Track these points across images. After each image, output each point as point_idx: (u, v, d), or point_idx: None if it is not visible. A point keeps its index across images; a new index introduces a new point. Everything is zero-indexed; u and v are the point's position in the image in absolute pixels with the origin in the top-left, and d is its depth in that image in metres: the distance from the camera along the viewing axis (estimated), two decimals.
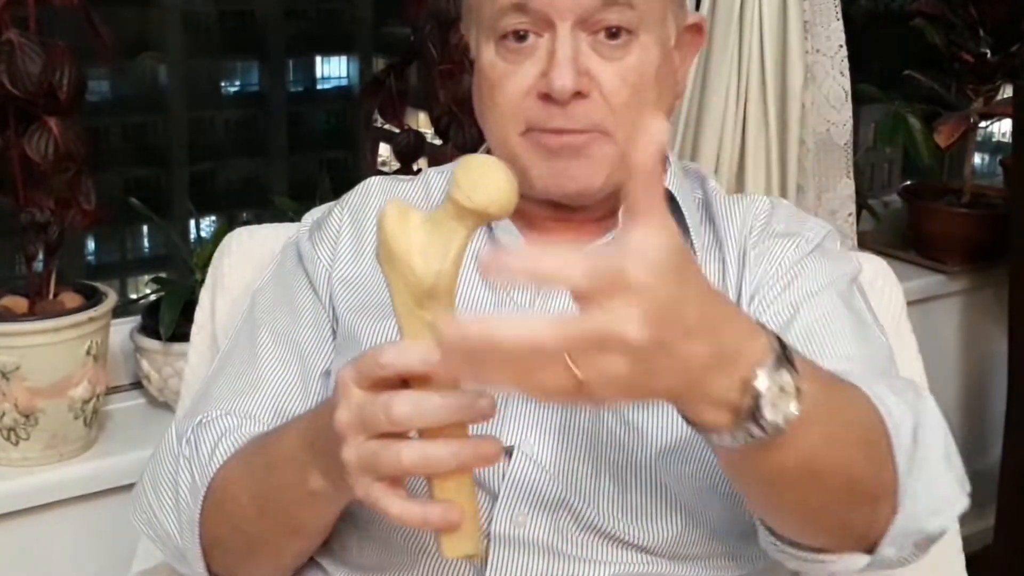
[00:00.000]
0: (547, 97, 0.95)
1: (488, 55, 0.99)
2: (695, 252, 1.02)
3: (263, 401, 1.02)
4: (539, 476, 0.92)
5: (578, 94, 0.95)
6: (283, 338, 1.05)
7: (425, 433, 0.72)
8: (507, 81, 0.97)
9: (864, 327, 0.99)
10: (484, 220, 0.72)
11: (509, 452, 0.92)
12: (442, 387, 0.71)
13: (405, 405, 0.70)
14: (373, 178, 1.14)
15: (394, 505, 0.73)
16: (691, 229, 1.03)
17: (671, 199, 1.04)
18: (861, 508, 0.80)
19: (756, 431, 0.67)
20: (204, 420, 1.00)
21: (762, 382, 0.66)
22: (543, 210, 1.02)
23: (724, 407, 0.66)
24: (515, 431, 0.93)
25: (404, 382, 0.72)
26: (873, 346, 0.97)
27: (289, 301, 1.08)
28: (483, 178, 0.71)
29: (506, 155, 0.99)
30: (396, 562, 0.95)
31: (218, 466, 0.94)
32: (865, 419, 0.78)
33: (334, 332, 1.05)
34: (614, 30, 0.95)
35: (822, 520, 0.80)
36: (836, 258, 1.05)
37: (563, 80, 0.93)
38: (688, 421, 0.69)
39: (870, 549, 0.82)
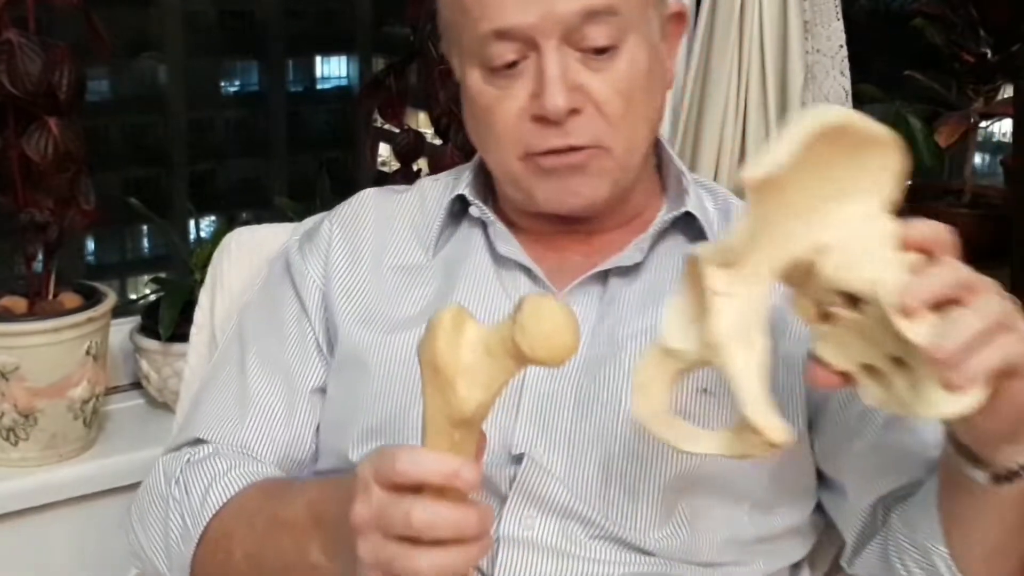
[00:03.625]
0: (541, 119, 0.93)
1: (475, 81, 0.96)
2: None
3: (253, 430, 1.02)
4: (548, 482, 0.92)
5: (572, 110, 0.93)
6: (269, 359, 1.05)
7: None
8: (499, 106, 0.95)
9: None
10: (537, 365, 0.71)
11: (518, 458, 0.92)
12: (453, 496, 0.72)
13: (424, 514, 0.72)
14: (368, 190, 1.13)
15: None
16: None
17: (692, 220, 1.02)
18: None
19: None
20: (193, 460, 1.00)
21: None
22: (553, 226, 1.02)
23: None
24: (526, 438, 0.93)
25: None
26: None
27: (275, 319, 1.07)
28: (554, 335, 0.68)
29: (508, 178, 0.99)
30: None
31: (211, 513, 0.95)
32: None
33: (320, 347, 1.05)
34: (600, 48, 0.93)
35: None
36: None
37: (555, 100, 0.91)
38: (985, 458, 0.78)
39: None
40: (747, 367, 0.72)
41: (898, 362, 0.72)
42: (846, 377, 0.74)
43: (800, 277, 0.73)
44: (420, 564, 0.73)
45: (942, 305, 0.69)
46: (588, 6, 0.91)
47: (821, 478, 1.01)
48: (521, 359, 0.70)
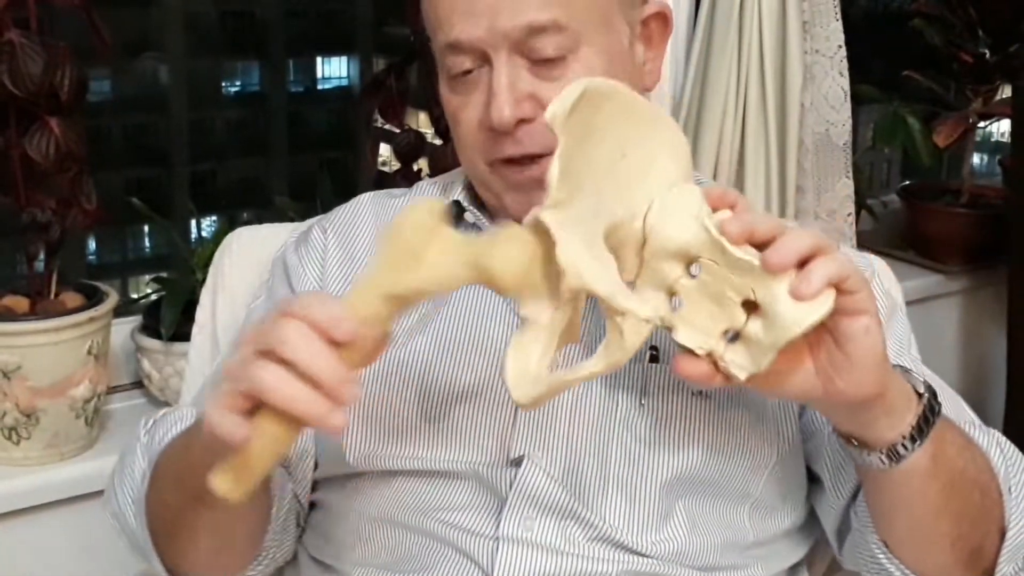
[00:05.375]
0: (493, 129, 0.95)
1: (443, 88, 1.00)
2: None
3: None
4: (548, 484, 0.93)
5: (522, 121, 0.94)
6: None
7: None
8: (462, 114, 0.98)
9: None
10: (495, 284, 0.75)
11: (518, 461, 0.93)
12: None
13: (295, 332, 0.70)
14: (365, 195, 1.13)
15: (219, 414, 0.71)
16: None
17: None
18: (989, 527, 0.89)
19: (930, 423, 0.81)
20: (167, 412, 1.01)
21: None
22: None
23: (909, 406, 0.81)
24: (525, 441, 0.94)
25: None
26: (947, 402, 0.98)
27: None
28: (520, 268, 0.74)
29: (480, 181, 1.01)
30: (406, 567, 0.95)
31: (164, 446, 0.94)
32: (973, 448, 0.90)
33: None
34: (550, 59, 0.94)
35: (962, 543, 0.88)
36: (891, 301, 1.06)
37: (500, 112, 0.93)
38: (858, 436, 0.82)
39: (988, 572, 0.90)
40: (601, 272, 0.75)
41: (749, 308, 0.75)
42: (713, 363, 0.77)
43: (628, 247, 0.78)
44: (265, 374, 0.70)
45: (761, 247, 0.74)
46: (532, 22, 0.93)
47: (810, 475, 1.02)
48: (483, 275, 0.74)
